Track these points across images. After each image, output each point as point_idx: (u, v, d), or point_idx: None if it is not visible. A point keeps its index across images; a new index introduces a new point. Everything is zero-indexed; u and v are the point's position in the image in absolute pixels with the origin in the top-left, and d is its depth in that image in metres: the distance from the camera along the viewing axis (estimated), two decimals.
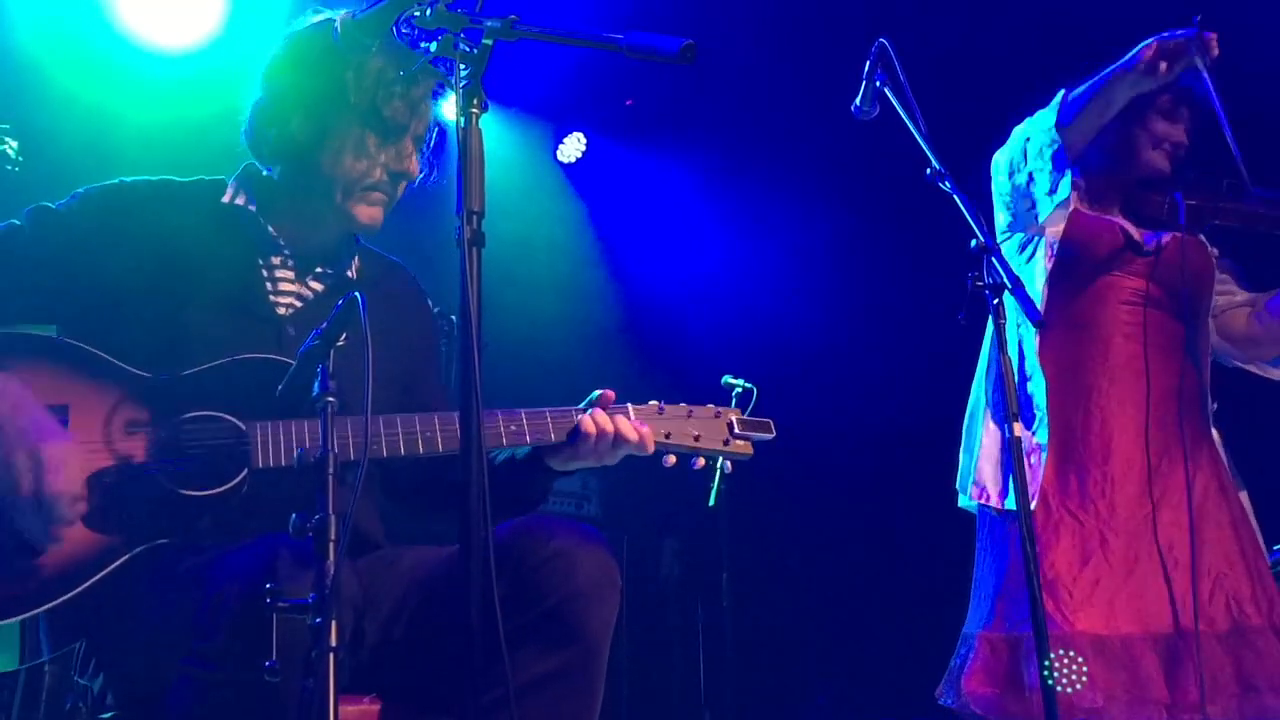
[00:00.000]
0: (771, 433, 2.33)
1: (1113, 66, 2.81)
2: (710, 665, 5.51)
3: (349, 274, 2.30)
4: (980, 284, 2.39)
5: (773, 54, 5.41)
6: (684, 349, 5.92)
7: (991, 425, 3.02)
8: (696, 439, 2.26)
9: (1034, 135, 2.94)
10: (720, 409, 2.31)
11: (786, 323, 5.95)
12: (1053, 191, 2.87)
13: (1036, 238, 3.02)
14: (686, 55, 1.67)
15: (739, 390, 4.69)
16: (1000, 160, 3.07)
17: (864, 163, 5.30)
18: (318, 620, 1.56)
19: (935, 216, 2.70)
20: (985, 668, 2.80)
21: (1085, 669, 2.66)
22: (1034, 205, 2.95)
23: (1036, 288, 2.96)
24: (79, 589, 1.88)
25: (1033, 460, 2.88)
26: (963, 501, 3.14)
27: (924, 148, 2.51)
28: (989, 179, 3.11)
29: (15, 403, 1.91)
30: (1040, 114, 2.95)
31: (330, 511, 1.61)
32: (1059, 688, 2.64)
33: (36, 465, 1.86)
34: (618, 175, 6.22)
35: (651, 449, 2.20)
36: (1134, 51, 2.78)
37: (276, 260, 2.23)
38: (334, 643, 1.56)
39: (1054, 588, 2.76)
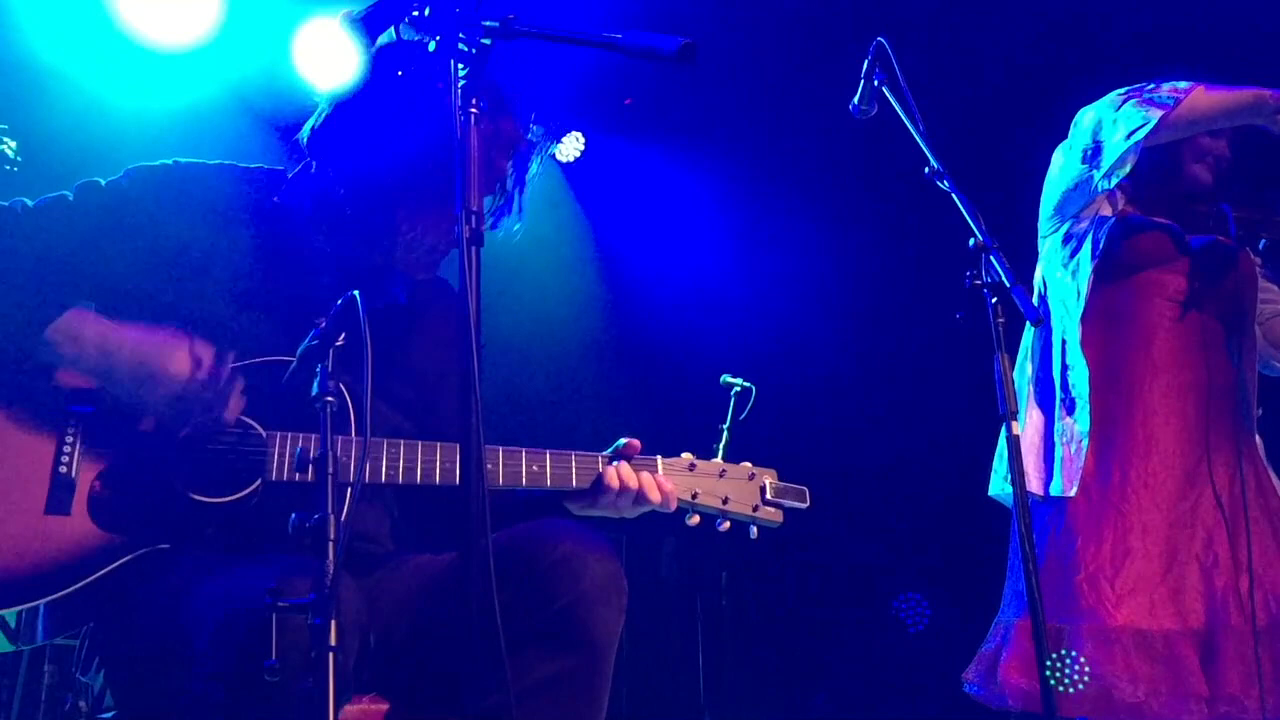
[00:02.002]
0: (805, 501, 2.27)
1: (1257, 88, 2.81)
2: (709, 664, 5.51)
3: (399, 298, 2.23)
4: (979, 283, 2.38)
5: (771, 53, 5.41)
6: (683, 347, 5.92)
7: (1035, 413, 3.05)
8: (725, 502, 2.20)
9: (1145, 94, 2.90)
10: (756, 469, 2.26)
11: (786, 320, 5.95)
12: (1130, 135, 2.83)
13: (1084, 231, 3.03)
14: (685, 55, 1.67)
15: (738, 389, 4.72)
16: (1087, 114, 3.03)
17: (864, 162, 5.30)
18: (318, 620, 1.56)
19: (937, 215, 2.70)
20: (1024, 657, 2.79)
21: (1087, 668, 2.66)
22: (1101, 158, 2.90)
23: (1082, 281, 2.99)
24: (78, 585, 1.88)
25: (1073, 449, 2.91)
26: (995, 489, 3.15)
27: (922, 146, 2.51)
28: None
29: (101, 330, 1.93)
30: (1157, 82, 2.92)
31: (330, 511, 1.61)
32: (1060, 687, 2.65)
33: (162, 368, 1.89)
34: (616, 174, 6.22)
35: (674, 508, 2.16)
36: None
37: (324, 274, 2.16)
38: (334, 642, 1.55)
39: (1095, 580, 2.78)
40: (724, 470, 2.23)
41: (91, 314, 1.97)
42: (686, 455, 2.22)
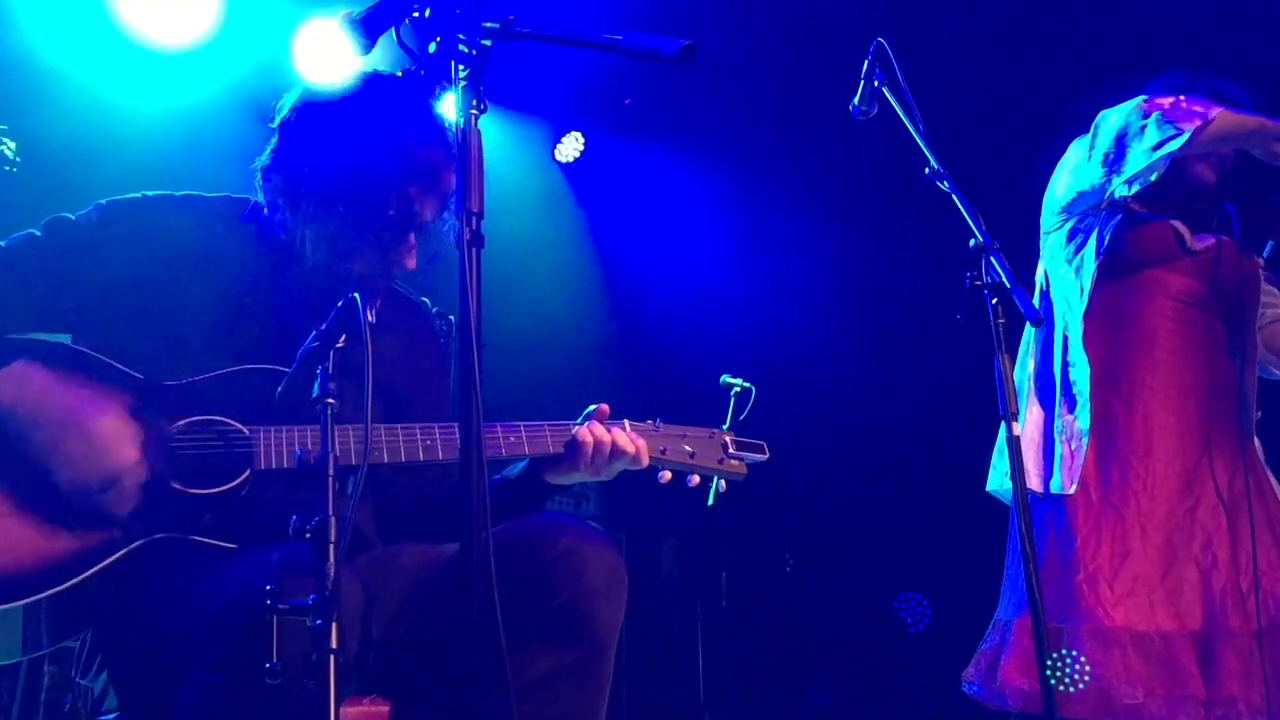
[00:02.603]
0: (765, 454, 2.39)
1: (1264, 116, 2.85)
2: (709, 664, 5.51)
3: (369, 317, 2.27)
4: (979, 283, 2.38)
5: (772, 53, 5.41)
6: (683, 348, 5.92)
7: (1035, 409, 3.05)
8: (692, 456, 2.31)
9: (1167, 107, 2.88)
10: (714, 430, 2.38)
11: (785, 321, 5.95)
12: (1158, 148, 2.82)
13: (1089, 228, 3.02)
14: (686, 56, 1.67)
15: (738, 389, 4.72)
16: (1110, 117, 3.00)
17: (864, 162, 5.30)
18: (318, 622, 1.56)
19: (937, 216, 2.70)
20: (1024, 657, 2.79)
21: (1089, 667, 2.67)
22: (1123, 165, 2.88)
23: (1085, 277, 2.98)
24: (78, 579, 1.90)
25: (1073, 446, 2.91)
26: (993, 484, 3.15)
27: (922, 147, 2.51)
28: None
29: (43, 387, 1.94)
30: (1178, 95, 2.92)
31: (330, 513, 1.62)
32: (1061, 686, 2.66)
33: (91, 446, 1.89)
34: (616, 175, 6.22)
35: (646, 461, 2.24)
36: None
37: (297, 293, 2.21)
38: (334, 644, 1.55)
39: (1094, 580, 2.78)
40: (685, 432, 2.35)
41: (36, 366, 1.99)
42: (650, 421, 2.33)
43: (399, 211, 2.15)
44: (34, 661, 3.52)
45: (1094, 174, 2.97)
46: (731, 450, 2.35)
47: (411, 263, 2.23)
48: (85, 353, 2.06)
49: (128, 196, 2.21)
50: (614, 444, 2.19)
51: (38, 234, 2.14)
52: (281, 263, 2.22)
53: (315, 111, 2.19)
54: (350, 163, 2.12)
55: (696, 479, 2.32)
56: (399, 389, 2.27)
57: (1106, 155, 2.94)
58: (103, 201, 2.19)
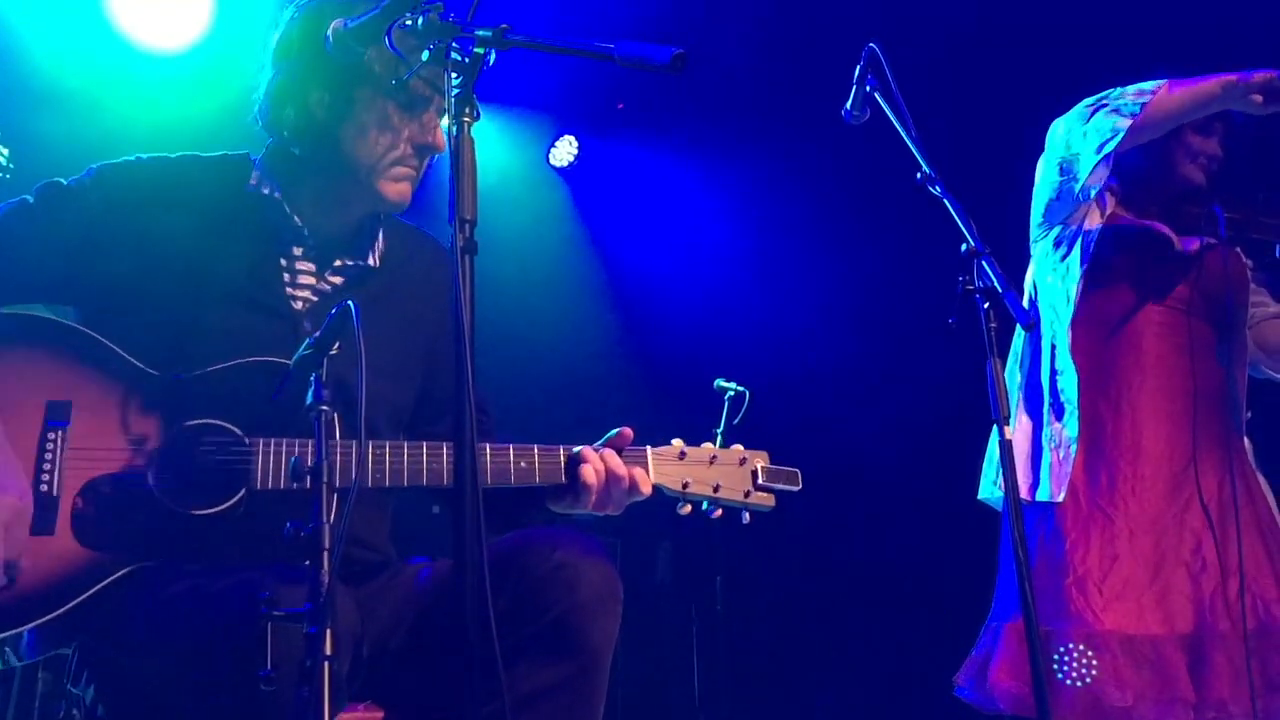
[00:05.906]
0: (798, 484, 2.24)
1: (1222, 74, 2.81)
2: (705, 669, 5.51)
3: (371, 261, 2.21)
4: (970, 288, 2.39)
5: (765, 57, 5.42)
6: (680, 352, 5.92)
7: (1023, 418, 3.06)
8: (716, 490, 2.17)
9: (1111, 102, 2.91)
10: (747, 454, 2.22)
11: (782, 324, 5.95)
12: (1100, 149, 2.84)
13: (1074, 235, 3.03)
14: (676, 65, 1.67)
15: (731, 393, 4.72)
16: (1059, 126, 3.05)
17: (860, 165, 5.30)
18: (313, 629, 1.55)
19: (931, 220, 2.70)
20: (1013, 660, 2.80)
21: (1094, 664, 2.68)
22: (1076, 170, 2.91)
23: (1071, 285, 3.00)
24: (66, 607, 1.84)
25: (1062, 454, 2.92)
26: (984, 493, 3.16)
27: (914, 152, 2.52)
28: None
29: None
30: (1125, 87, 2.94)
31: (325, 520, 1.61)
32: (1069, 681, 2.67)
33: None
34: (610, 178, 6.23)
35: (648, 492, 2.12)
36: (1250, 71, 2.79)
37: (298, 251, 2.15)
38: (329, 651, 1.55)
39: (1084, 584, 2.78)
40: (715, 456, 2.19)
41: None
42: (677, 442, 2.19)
43: (427, 75, 2.00)
44: (28, 668, 3.52)
45: (1055, 182, 3.00)
46: (761, 480, 2.20)
47: (441, 140, 2.14)
48: (92, 336, 1.98)
49: (124, 160, 2.15)
50: (630, 478, 2.08)
51: (30, 199, 2.08)
52: (287, 237, 2.16)
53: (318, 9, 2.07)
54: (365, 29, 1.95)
55: (720, 512, 2.19)
56: (401, 342, 2.20)
57: (1061, 164, 2.98)
58: (95, 166, 2.13)
